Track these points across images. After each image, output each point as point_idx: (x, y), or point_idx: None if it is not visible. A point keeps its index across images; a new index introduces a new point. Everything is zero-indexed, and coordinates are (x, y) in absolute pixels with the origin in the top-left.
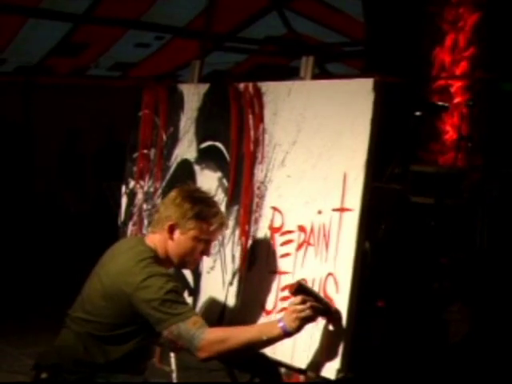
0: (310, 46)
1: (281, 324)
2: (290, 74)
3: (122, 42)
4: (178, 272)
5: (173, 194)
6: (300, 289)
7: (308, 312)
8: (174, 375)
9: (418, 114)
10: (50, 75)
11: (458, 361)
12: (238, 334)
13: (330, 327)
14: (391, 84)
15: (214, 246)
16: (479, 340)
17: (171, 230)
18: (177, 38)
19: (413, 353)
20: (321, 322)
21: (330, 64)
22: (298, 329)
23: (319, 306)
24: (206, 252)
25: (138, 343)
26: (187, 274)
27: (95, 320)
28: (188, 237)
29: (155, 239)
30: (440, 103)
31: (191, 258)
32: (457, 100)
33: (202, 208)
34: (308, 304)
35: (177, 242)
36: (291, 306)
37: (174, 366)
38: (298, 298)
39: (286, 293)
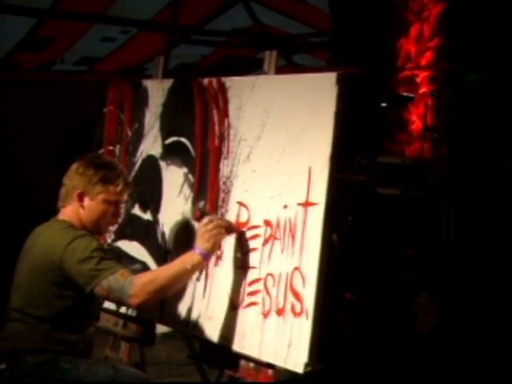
0: (276, 38)
1: (197, 250)
2: (256, 65)
3: (87, 37)
4: (144, 268)
5: (74, 165)
6: (203, 213)
7: (218, 230)
8: (143, 372)
9: (383, 105)
10: (16, 71)
11: (425, 351)
12: (164, 271)
13: (297, 321)
14: (355, 76)
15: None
16: (446, 330)
17: (80, 197)
18: (143, 32)
19: (381, 343)
20: (288, 316)
21: (296, 55)
22: (213, 247)
23: (224, 224)
24: (116, 213)
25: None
26: (154, 269)
27: (36, 302)
28: (98, 201)
29: (67, 212)
30: (405, 94)
31: (104, 222)
32: (422, 90)
33: (105, 172)
34: (215, 222)
35: (88, 209)
36: (200, 228)
37: (142, 362)
38: (205, 220)
39: (254, 287)
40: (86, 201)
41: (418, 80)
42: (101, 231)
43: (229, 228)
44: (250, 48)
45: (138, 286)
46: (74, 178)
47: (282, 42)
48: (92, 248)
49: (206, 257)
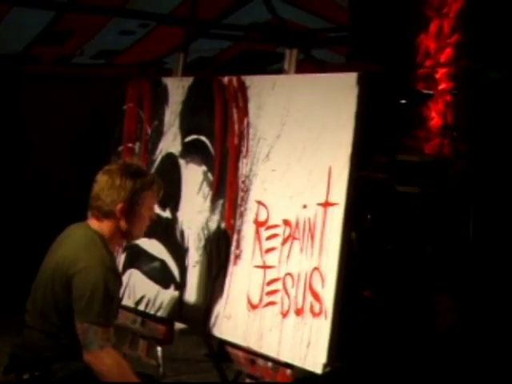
0: (294, 32)
1: None
2: (275, 59)
3: (106, 30)
4: (163, 266)
5: (105, 177)
6: None
7: None
8: (161, 369)
9: (403, 102)
10: (35, 64)
11: (446, 350)
12: (124, 376)
13: (316, 321)
14: (375, 73)
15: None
16: (466, 329)
17: (122, 211)
18: (161, 25)
19: (400, 341)
20: (307, 316)
21: (315, 50)
22: None
23: None
24: (152, 216)
25: None
26: (173, 267)
27: (50, 307)
28: (140, 211)
29: (102, 225)
30: (425, 91)
31: (145, 227)
32: (441, 87)
33: (142, 180)
34: None
35: (131, 221)
36: None
37: (160, 360)
38: None
39: (272, 287)
40: (129, 213)
41: (438, 76)
42: (140, 236)
43: None
44: (269, 42)
45: (103, 353)
46: (111, 191)
47: (301, 36)
48: (104, 285)
49: None
